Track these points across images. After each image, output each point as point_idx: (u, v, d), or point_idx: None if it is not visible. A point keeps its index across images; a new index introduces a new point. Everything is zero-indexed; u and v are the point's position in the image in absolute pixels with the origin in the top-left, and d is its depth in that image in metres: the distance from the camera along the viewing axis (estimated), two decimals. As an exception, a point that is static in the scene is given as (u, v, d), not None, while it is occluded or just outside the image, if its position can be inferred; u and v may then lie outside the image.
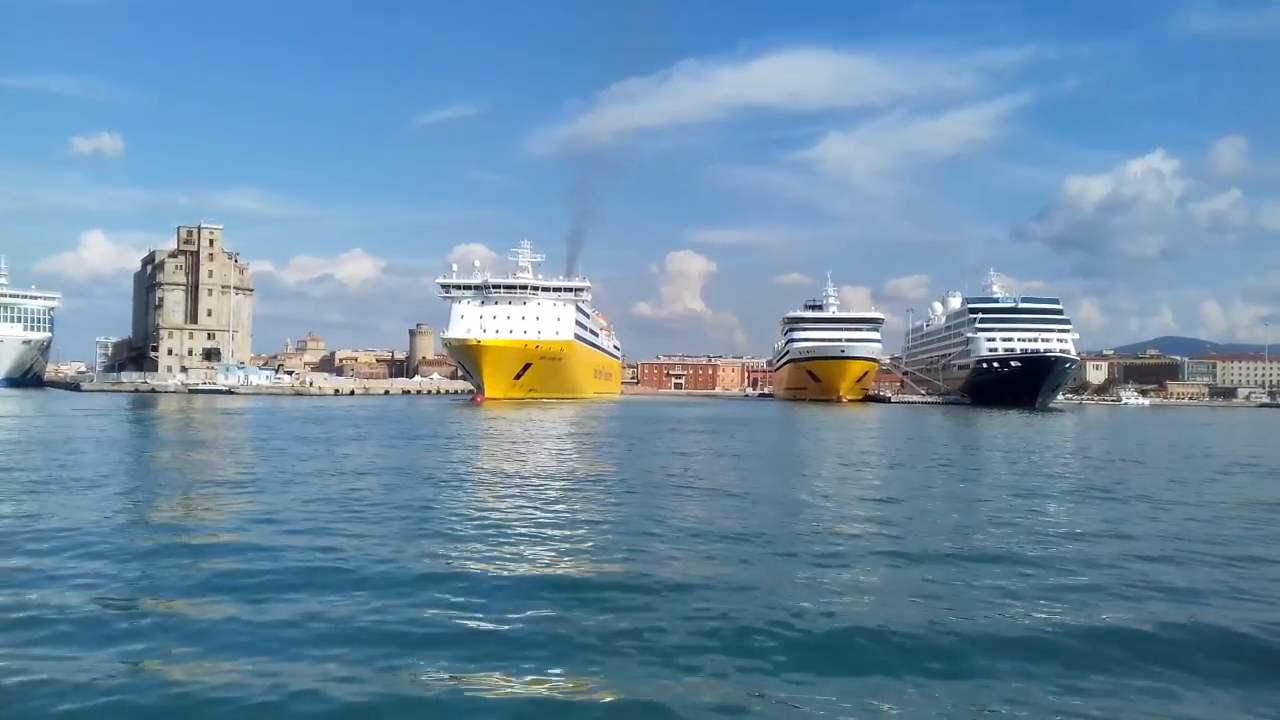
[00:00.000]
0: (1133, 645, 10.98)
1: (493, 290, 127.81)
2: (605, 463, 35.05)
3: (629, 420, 75.03)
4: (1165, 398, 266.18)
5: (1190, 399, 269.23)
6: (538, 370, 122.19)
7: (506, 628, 11.35)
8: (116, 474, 27.86)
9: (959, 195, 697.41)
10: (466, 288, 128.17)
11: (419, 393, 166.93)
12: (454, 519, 19.76)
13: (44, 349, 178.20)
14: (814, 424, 75.25)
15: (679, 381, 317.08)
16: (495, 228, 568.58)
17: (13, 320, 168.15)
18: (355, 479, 26.97)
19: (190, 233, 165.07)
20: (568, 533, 18.37)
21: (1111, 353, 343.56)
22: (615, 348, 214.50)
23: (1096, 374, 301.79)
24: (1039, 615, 12.32)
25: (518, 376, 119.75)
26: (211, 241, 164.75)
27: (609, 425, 65.58)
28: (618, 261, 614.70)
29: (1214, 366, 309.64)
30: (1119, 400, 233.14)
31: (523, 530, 18.45)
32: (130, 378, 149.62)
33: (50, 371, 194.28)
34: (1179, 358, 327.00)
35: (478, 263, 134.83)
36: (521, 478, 28.19)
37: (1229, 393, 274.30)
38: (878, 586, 14.29)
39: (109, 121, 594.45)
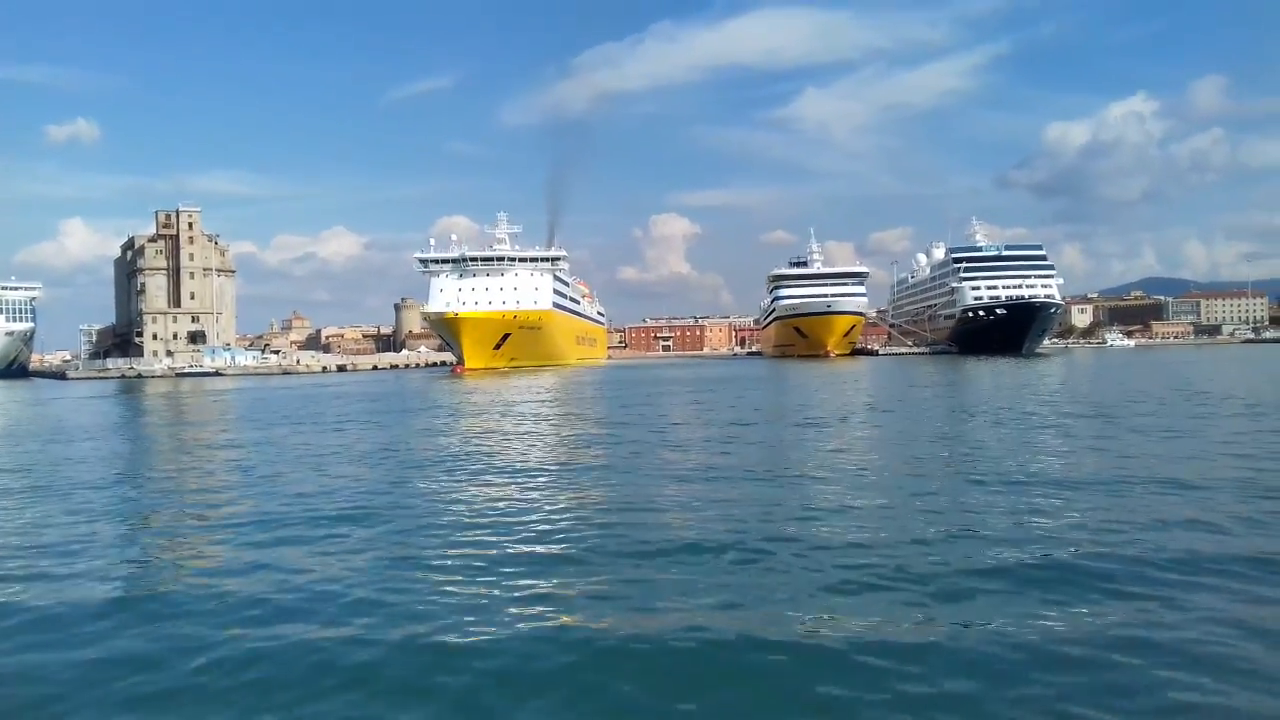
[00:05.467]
0: None
1: (470, 263, 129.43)
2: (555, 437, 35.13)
3: (600, 385, 74.02)
4: (1150, 338, 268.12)
5: (1175, 338, 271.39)
6: (517, 340, 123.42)
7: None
8: (134, 462, 27.84)
9: (940, 147, 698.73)
10: (444, 261, 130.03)
11: (406, 366, 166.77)
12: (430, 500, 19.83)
13: (28, 339, 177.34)
14: (802, 380, 75.34)
15: (666, 344, 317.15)
16: (477, 199, 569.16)
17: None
18: (348, 456, 27.07)
19: (169, 216, 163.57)
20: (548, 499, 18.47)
21: (1096, 296, 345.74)
22: (599, 314, 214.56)
23: (1081, 318, 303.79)
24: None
25: (497, 346, 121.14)
26: (191, 224, 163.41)
27: (567, 394, 65.18)
28: (601, 227, 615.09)
29: (1198, 305, 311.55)
30: (1104, 343, 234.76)
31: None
32: (116, 364, 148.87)
33: (35, 361, 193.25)
34: (1163, 298, 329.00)
35: (455, 236, 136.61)
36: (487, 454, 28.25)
37: (1213, 330, 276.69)
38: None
39: (83, 108, 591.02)
